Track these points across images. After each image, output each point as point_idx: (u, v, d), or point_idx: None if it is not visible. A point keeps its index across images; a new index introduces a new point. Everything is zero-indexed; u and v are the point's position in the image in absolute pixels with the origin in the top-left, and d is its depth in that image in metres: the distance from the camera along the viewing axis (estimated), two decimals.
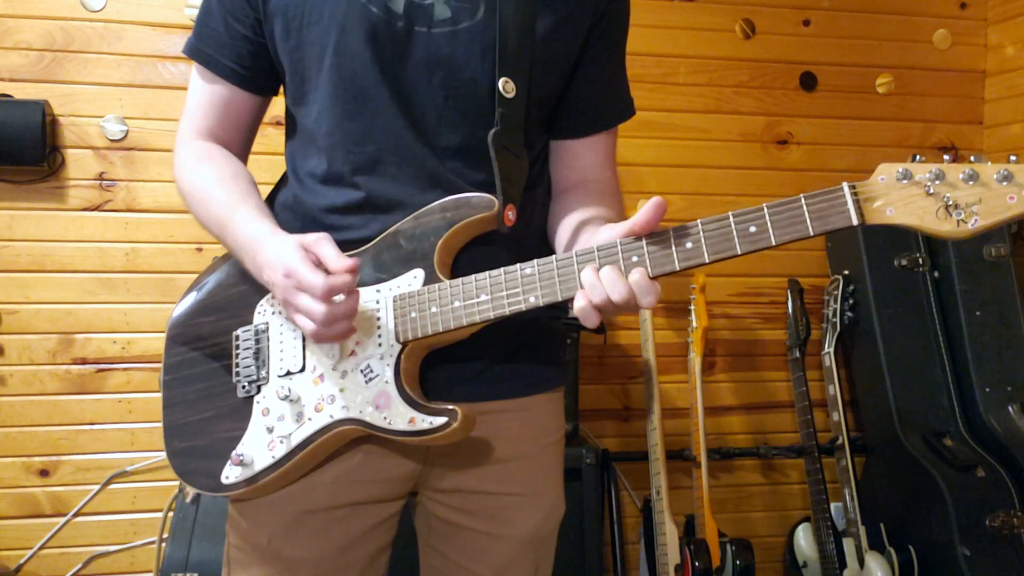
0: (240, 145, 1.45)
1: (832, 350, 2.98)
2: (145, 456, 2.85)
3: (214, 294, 1.40)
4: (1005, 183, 1.00)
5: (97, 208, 2.82)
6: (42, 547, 2.81)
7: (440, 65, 1.26)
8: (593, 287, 1.12)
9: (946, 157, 1.04)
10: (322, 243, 1.20)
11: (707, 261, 1.10)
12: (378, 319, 1.25)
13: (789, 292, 3.04)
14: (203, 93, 1.41)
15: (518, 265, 1.19)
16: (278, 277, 1.19)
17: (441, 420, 1.20)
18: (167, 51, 2.80)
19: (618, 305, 1.12)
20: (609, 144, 1.47)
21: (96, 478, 2.83)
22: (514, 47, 1.27)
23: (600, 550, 2.71)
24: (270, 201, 1.43)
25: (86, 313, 2.82)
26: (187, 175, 1.38)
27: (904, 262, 3.02)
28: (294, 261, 1.17)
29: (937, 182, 1.03)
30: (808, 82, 3.24)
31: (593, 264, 1.14)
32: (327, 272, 1.16)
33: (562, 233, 1.35)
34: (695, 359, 2.90)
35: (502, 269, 1.20)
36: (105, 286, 2.82)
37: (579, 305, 1.13)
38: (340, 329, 1.20)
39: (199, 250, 2.84)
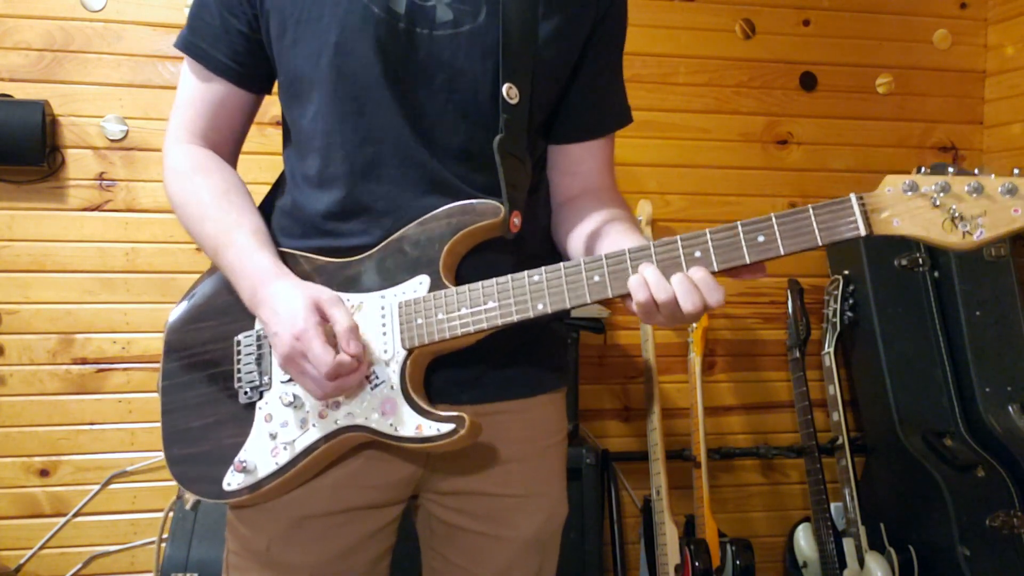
0: (231, 145, 1.43)
1: (832, 350, 2.98)
2: (145, 456, 2.85)
3: (214, 298, 1.38)
4: (1009, 196, 1.02)
5: (97, 208, 2.81)
6: (42, 547, 2.81)
7: (441, 68, 1.26)
8: (639, 286, 1.13)
9: (951, 168, 1.05)
10: (335, 307, 1.21)
11: (716, 270, 1.11)
12: (383, 325, 1.24)
13: (789, 292, 3.04)
14: (195, 89, 1.38)
15: (525, 272, 1.19)
16: (286, 335, 1.18)
17: (448, 427, 1.20)
18: (167, 51, 2.80)
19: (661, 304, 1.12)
20: (608, 150, 1.46)
21: (96, 478, 2.83)
22: (517, 51, 1.26)
23: (600, 550, 2.71)
24: (268, 204, 1.42)
25: (86, 313, 2.82)
26: (179, 185, 1.36)
27: (904, 262, 3.02)
28: (308, 326, 1.17)
29: (943, 194, 1.04)
30: (808, 82, 3.24)
31: (601, 271, 1.15)
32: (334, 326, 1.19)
33: (575, 241, 1.35)
34: (695, 359, 2.90)
35: (509, 276, 1.19)
36: (105, 286, 2.82)
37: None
38: (342, 395, 1.24)
39: (199, 250, 2.82)
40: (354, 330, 1.19)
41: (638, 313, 1.14)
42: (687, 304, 1.10)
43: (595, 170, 1.44)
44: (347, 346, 1.17)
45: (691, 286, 1.10)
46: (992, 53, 3.32)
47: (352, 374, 1.19)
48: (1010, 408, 2.87)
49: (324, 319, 1.19)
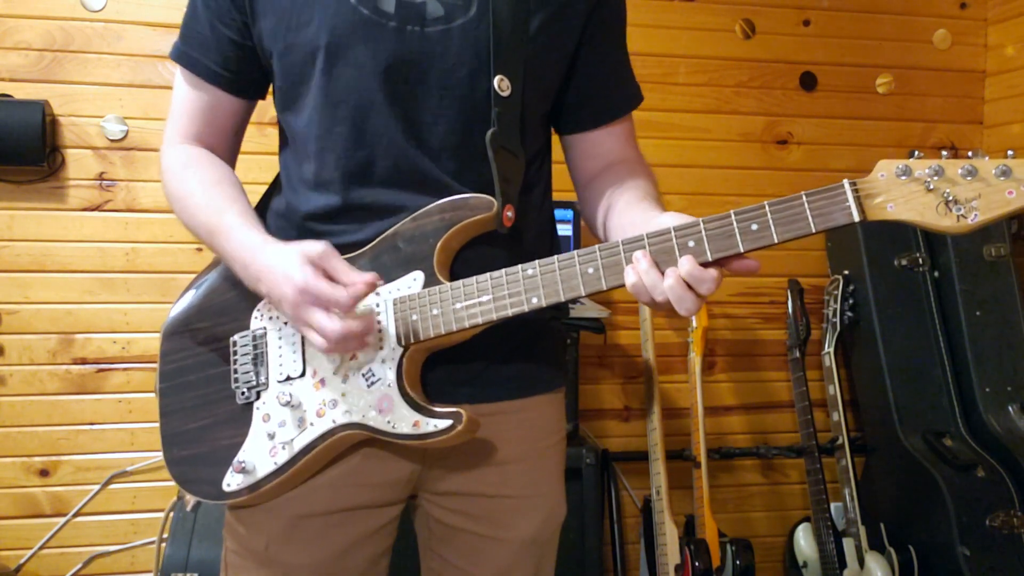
0: (227, 149, 1.43)
1: (832, 350, 2.98)
2: (145, 456, 2.85)
3: (209, 299, 1.39)
4: (1003, 178, 1.01)
5: (97, 208, 2.82)
6: (42, 547, 2.81)
7: (434, 65, 1.25)
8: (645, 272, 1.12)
9: (944, 153, 1.04)
10: (331, 258, 1.19)
11: (710, 260, 1.10)
12: (379, 322, 1.24)
13: (789, 292, 3.04)
14: (188, 97, 1.39)
15: (519, 266, 1.19)
16: (288, 291, 1.17)
17: (446, 423, 1.20)
18: (167, 51, 2.79)
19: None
20: (627, 129, 1.47)
21: (96, 478, 2.84)
22: (508, 44, 1.26)
23: (600, 550, 2.71)
24: (263, 206, 1.42)
25: (86, 313, 2.82)
26: (173, 180, 1.36)
27: (904, 262, 3.02)
28: (308, 277, 1.16)
29: (936, 178, 1.03)
30: (808, 82, 3.24)
31: (595, 263, 1.15)
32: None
33: (599, 223, 1.36)
34: (695, 359, 2.90)
35: (503, 270, 1.19)
36: (105, 286, 2.82)
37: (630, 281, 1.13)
38: (354, 346, 1.21)
39: (199, 250, 2.84)
40: (354, 269, 1.19)
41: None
42: (681, 308, 1.10)
43: (615, 148, 1.45)
44: (359, 277, 1.17)
45: (683, 287, 1.09)
46: (992, 53, 3.32)
47: (364, 318, 1.19)
48: (1010, 408, 2.87)
49: (321, 271, 1.19)
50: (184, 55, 1.37)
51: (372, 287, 1.17)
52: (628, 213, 1.28)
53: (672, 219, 1.15)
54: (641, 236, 1.13)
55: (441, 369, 1.30)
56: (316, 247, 1.20)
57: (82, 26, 2.79)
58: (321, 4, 1.25)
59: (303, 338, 1.28)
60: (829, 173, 3.24)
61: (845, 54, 3.26)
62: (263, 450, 1.28)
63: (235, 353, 1.33)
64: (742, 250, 1.09)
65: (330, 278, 1.18)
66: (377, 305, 1.25)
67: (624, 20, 1.44)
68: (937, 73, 3.32)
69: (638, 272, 1.11)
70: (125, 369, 2.84)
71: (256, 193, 1.43)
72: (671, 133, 3.15)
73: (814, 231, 1.07)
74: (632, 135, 1.48)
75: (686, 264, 1.09)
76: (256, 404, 1.30)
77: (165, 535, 2.45)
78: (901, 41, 3.30)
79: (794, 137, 3.24)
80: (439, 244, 1.24)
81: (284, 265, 1.18)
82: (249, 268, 1.23)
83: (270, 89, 1.42)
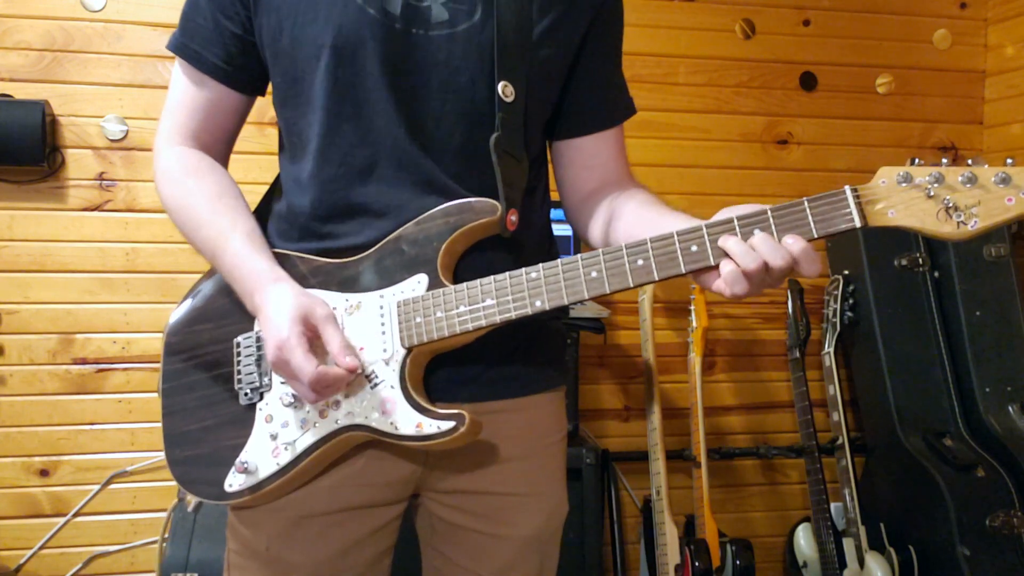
0: (223, 146, 1.42)
1: (832, 350, 2.98)
2: (145, 456, 2.85)
3: (213, 300, 1.39)
4: (1003, 185, 1.02)
5: (97, 208, 2.81)
6: (42, 547, 2.81)
7: (438, 68, 1.26)
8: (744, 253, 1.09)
9: (944, 160, 1.06)
10: (326, 324, 1.20)
11: (712, 264, 1.10)
12: (382, 324, 1.24)
13: (789, 292, 3.04)
14: (187, 91, 1.37)
15: (523, 269, 1.19)
16: (271, 343, 1.18)
17: (449, 424, 1.20)
18: (167, 51, 2.78)
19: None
20: (620, 141, 1.46)
21: (96, 478, 2.84)
22: (512, 50, 1.27)
23: (600, 550, 2.71)
24: (264, 208, 1.42)
25: (86, 313, 2.82)
26: (172, 188, 1.36)
27: (904, 262, 3.02)
28: (290, 335, 1.16)
29: (937, 185, 1.04)
30: (808, 82, 3.24)
31: (599, 267, 1.15)
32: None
33: (617, 230, 1.34)
34: (695, 359, 2.90)
35: (507, 273, 1.19)
36: (105, 286, 2.82)
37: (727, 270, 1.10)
38: (328, 397, 1.23)
39: None
40: (349, 347, 1.19)
41: (728, 282, 1.10)
42: (776, 260, 1.07)
43: (611, 160, 1.44)
44: (342, 361, 1.17)
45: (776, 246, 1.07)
46: (992, 53, 3.32)
47: (337, 383, 1.19)
48: (1010, 408, 2.88)
49: (313, 333, 1.19)
50: (184, 47, 1.35)
51: (348, 376, 1.18)
52: (643, 213, 1.29)
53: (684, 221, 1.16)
54: (644, 240, 1.14)
55: (443, 369, 1.30)
56: (320, 310, 1.20)
57: (82, 26, 2.79)
58: (327, 2, 1.25)
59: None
60: (829, 173, 3.25)
61: (845, 54, 3.26)
62: (266, 451, 1.28)
63: (238, 354, 1.32)
64: None
65: (318, 339, 1.20)
66: (381, 308, 1.25)
67: (622, 31, 1.44)
68: (937, 73, 3.32)
69: (751, 243, 1.09)
70: (125, 369, 2.84)
71: (256, 193, 1.43)
72: (671, 133, 3.14)
73: (816, 236, 1.08)
74: (625, 152, 1.48)
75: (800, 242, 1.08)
76: (259, 405, 1.30)
77: (166, 535, 2.44)
78: (901, 41, 3.30)
79: (794, 137, 3.24)
80: (443, 247, 1.24)
81: (278, 314, 1.19)
82: (254, 298, 1.24)
83: (269, 88, 1.42)
